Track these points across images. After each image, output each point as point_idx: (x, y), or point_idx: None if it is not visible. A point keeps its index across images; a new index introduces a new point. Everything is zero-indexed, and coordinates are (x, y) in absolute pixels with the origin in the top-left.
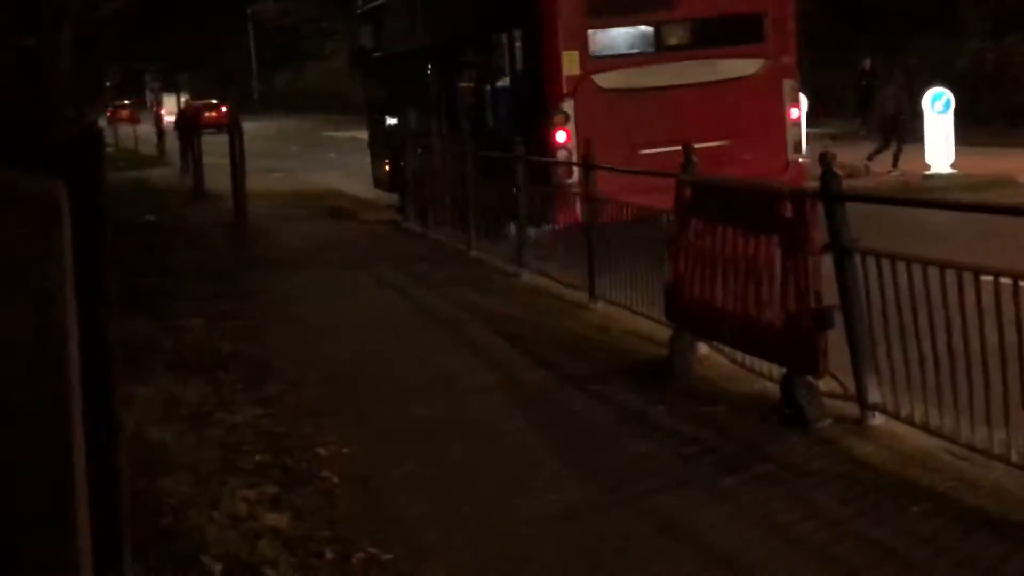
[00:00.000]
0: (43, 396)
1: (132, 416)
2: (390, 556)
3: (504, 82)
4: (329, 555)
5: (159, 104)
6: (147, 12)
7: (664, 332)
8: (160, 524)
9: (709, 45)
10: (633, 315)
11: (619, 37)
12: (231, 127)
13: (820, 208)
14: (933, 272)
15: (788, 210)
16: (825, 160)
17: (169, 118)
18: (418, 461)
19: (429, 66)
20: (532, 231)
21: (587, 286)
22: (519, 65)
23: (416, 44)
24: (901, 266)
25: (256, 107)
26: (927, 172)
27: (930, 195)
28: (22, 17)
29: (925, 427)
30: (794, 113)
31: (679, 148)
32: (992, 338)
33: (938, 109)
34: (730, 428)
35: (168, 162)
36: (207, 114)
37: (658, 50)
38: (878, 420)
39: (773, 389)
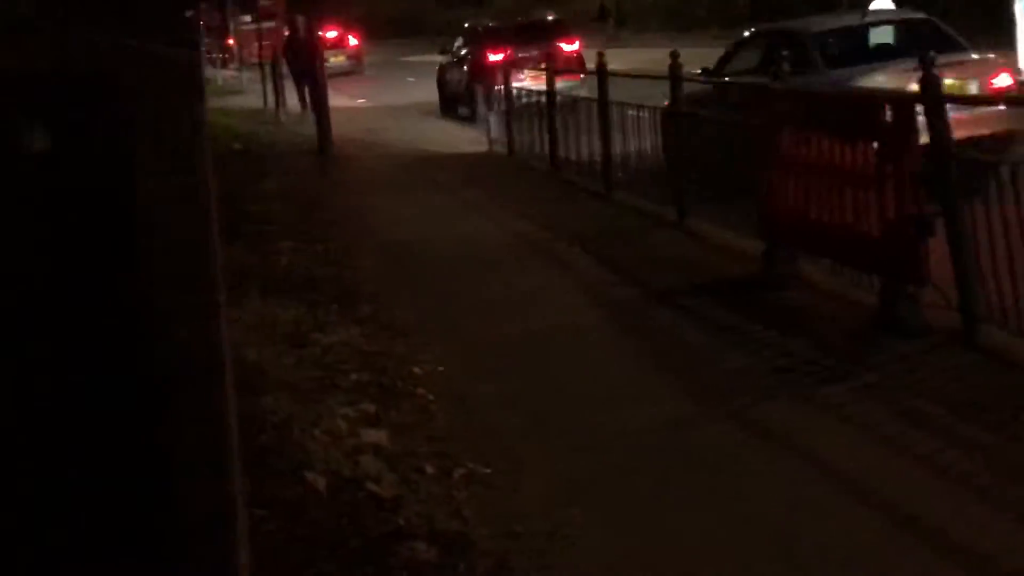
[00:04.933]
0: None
1: (229, 339)
2: (489, 471)
3: None
4: (430, 470)
5: None
6: None
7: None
8: (262, 441)
9: None
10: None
11: None
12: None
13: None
14: None
15: (887, 115)
16: (926, 62)
17: None
18: (512, 377)
19: None
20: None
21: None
22: None
23: None
24: (1005, 171)
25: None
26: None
27: None
28: None
29: None
30: None
31: None
32: None
33: None
34: (828, 340)
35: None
36: None
37: None
38: (983, 331)
39: (872, 301)
